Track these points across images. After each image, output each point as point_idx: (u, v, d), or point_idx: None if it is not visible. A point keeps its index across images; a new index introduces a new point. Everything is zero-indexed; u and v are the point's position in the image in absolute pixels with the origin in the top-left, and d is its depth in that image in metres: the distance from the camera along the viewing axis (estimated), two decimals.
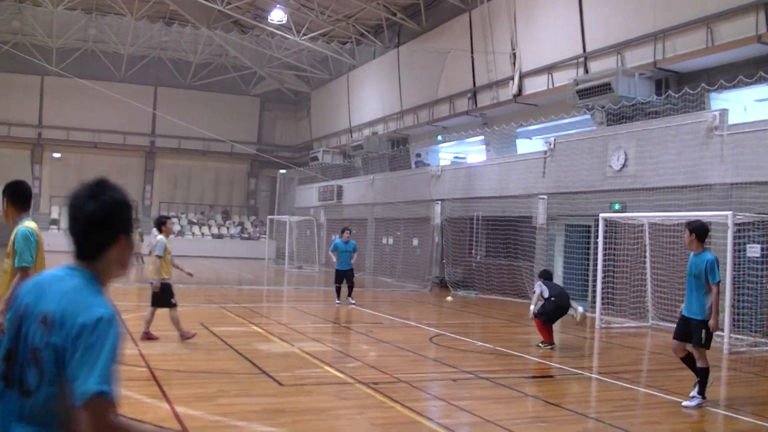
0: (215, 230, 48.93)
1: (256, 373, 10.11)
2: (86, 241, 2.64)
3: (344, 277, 19.92)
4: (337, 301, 19.92)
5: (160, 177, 51.02)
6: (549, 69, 24.76)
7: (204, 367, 10.58)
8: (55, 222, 45.12)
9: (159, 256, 12.33)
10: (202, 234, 47.85)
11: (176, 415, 7.61)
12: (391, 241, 32.98)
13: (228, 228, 49.47)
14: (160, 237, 12.54)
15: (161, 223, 12.65)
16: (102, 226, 2.62)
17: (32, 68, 40.25)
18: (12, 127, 46.44)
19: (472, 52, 28.93)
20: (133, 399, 8.19)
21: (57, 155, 48.66)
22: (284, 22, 36.02)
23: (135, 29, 42.78)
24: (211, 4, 34.41)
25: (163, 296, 12.33)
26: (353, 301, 19.86)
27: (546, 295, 13.13)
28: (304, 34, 36.43)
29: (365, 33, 37.35)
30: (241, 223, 49.67)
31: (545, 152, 22.87)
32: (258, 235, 47.84)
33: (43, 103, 47.73)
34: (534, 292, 13.54)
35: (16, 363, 2.58)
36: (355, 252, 20.41)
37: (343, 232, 20.63)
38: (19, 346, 2.59)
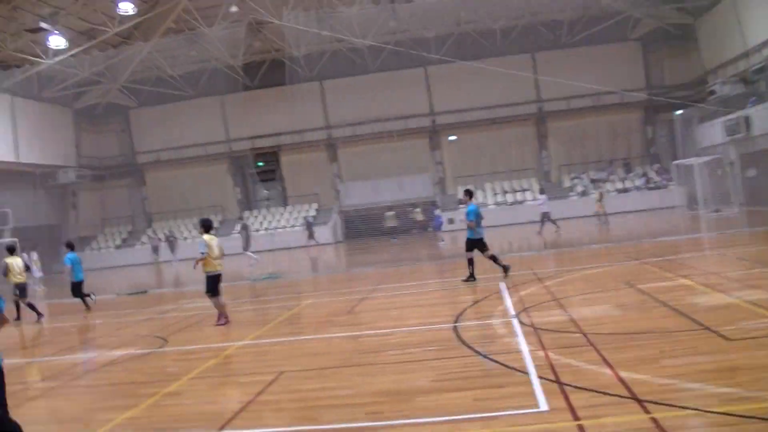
0: (619, 185, 47.84)
1: (696, 329, 9.43)
2: None
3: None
4: None
5: (554, 140, 51.26)
6: None
7: (640, 327, 10.06)
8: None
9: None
10: (607, 190, 46.96)
11: (621, 381, 7.30)
12: None
13: (632, 180, 48.09)
14: None
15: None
16: None
17: (414, 61, 42.79)
18: (408, 119, 50.03)
19: None
20: (573, 366, 8.12)
21: (452, 138, 51.36)
22: None
23: (505, 0, 43.42)
24: None
25: None
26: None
27: None
28: None
29: None
30: (644, 174, 48.02)
31: None
32: (665, 183, 45.92)
33: (431, 91, 50.58)
34: None
35: None
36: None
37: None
38: None
